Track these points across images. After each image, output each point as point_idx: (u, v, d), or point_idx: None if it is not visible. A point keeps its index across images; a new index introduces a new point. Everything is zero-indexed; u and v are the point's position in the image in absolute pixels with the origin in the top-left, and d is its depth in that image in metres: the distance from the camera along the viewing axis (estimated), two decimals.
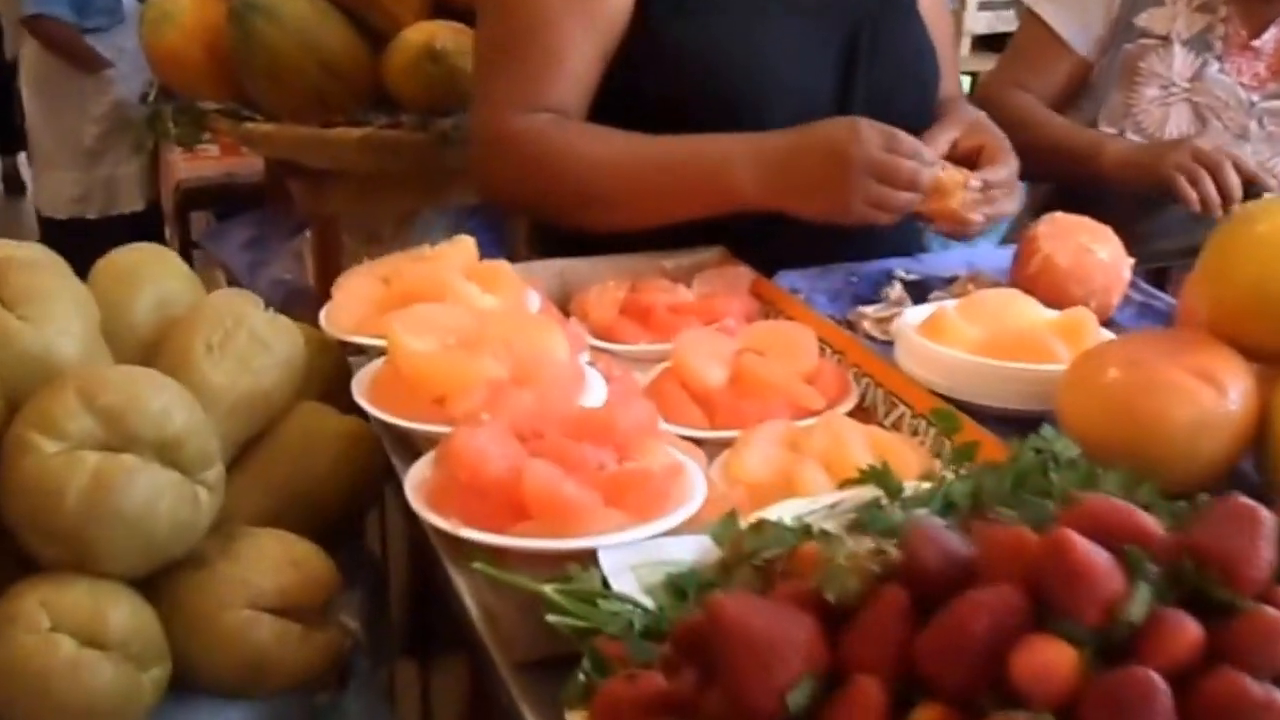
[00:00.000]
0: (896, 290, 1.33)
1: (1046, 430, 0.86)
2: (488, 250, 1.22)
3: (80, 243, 3.40)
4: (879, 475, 0.82)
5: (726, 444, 1.02)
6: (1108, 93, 1.81)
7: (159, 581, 0.83)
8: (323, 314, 1.09)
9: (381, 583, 1.05)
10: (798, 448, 0.96)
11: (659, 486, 0.76)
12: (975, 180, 1.28)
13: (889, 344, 1.23)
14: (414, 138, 1.77)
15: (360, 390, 0.96)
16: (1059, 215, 1.33)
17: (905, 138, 1.24)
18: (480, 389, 0.90)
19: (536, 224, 1.69)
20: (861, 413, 1.08)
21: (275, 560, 0.84)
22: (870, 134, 1.22)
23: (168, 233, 3.53)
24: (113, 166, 3.91)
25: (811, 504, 0.80)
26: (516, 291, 1.14)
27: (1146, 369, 0.92)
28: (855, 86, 1.42)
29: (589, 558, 0.72)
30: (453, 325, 0.98)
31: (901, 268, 1.41)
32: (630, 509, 0.75)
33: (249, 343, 0.95)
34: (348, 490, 1.00)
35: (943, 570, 0.55)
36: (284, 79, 1.76)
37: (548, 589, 0.67)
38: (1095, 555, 0.53)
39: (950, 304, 1.16)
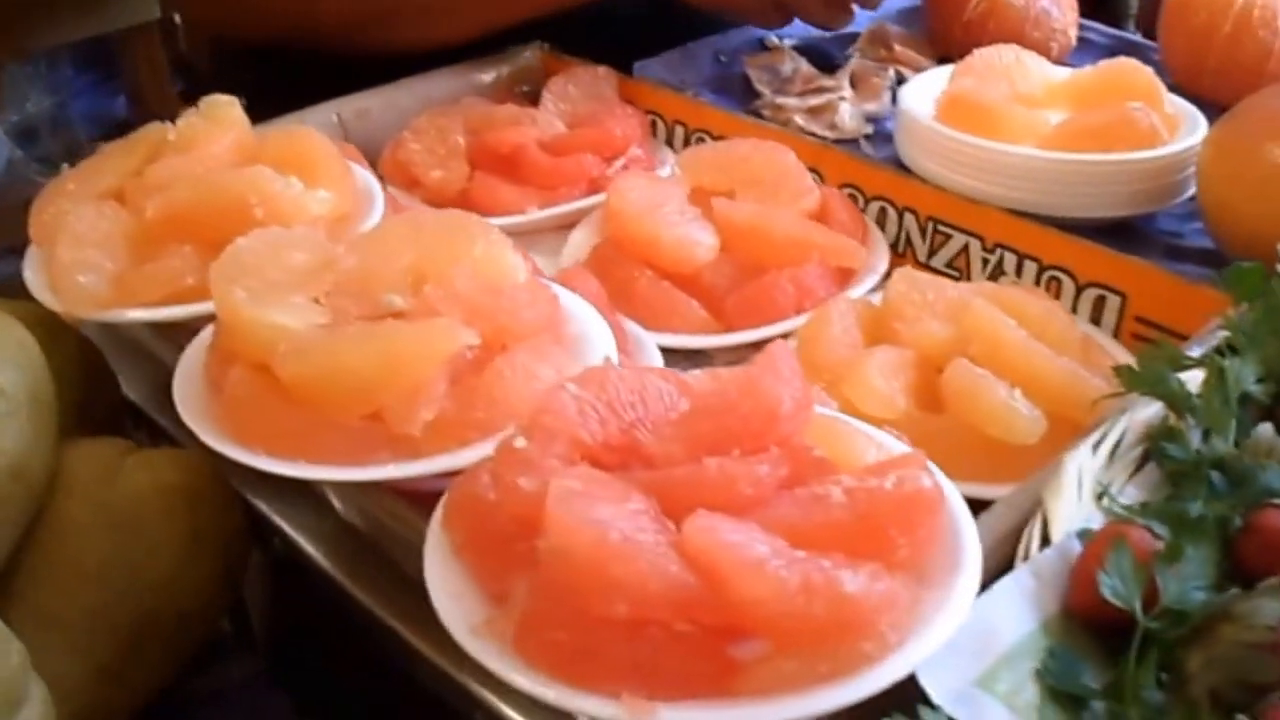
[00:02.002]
0: (804, 66, 0.99)
1: None
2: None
3: None
4: (1152, 379, 0.51)
5: (737, 352, 0.68)
6: None
7: None
8: (32, 277, 0.62)
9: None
10: (894, 337, 0.63)
11: (938, 517, 0.41)
12: None
13: (846, 143, 0.91)
14: None
15: (198, 418, 0.52)
16: None
17: None
18: (439, 380, 0.49)
19: (225, 44, 1.14)
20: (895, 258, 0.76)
21: None
22: None
23: None
24: None
25: (1078, 454, 0.48)
26: (342, 174, 0.70)
27: None
28: None
29: (884, 698, 0.38)
30: (315, 266, 0.55)
31: (771, 35, 1.07)
32: (913, 573, 0.40)
33: None
34: (205, 582, 0.59)
35: None
36: None
37: None
38: None
39: (947, 75, 0.84)
